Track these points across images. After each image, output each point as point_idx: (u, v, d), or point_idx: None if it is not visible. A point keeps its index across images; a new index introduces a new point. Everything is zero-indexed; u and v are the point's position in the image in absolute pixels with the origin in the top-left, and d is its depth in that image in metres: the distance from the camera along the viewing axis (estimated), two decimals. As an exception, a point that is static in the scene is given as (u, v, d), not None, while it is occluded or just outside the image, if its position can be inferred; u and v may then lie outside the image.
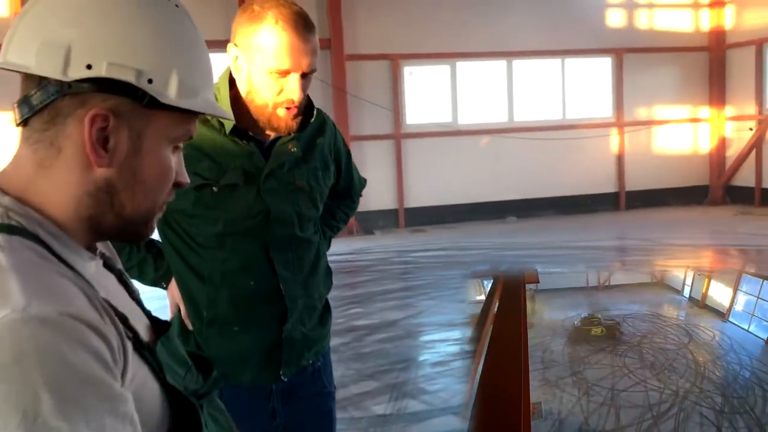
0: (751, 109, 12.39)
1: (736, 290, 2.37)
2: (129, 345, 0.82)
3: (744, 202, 12.53)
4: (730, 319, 2.19)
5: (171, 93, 0.88)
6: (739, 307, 2.30)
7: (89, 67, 0.82)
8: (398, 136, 11.59)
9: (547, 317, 2.54)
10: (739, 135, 12.66)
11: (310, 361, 1.96)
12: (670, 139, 12.99)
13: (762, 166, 12.21)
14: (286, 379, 1.89)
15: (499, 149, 12.04)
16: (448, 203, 11.89)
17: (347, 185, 2.16)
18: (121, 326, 0.83)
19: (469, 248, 9.67)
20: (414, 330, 6.01)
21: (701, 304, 2.41)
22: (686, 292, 2.57)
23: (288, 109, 1.73)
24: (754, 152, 12.27)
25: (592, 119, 12.59)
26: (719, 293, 2.43)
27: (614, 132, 12.67)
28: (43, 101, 0.84)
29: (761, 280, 2.31)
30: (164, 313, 1.89)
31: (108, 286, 0.93)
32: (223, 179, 1.77)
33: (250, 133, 1.81)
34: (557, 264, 8.32)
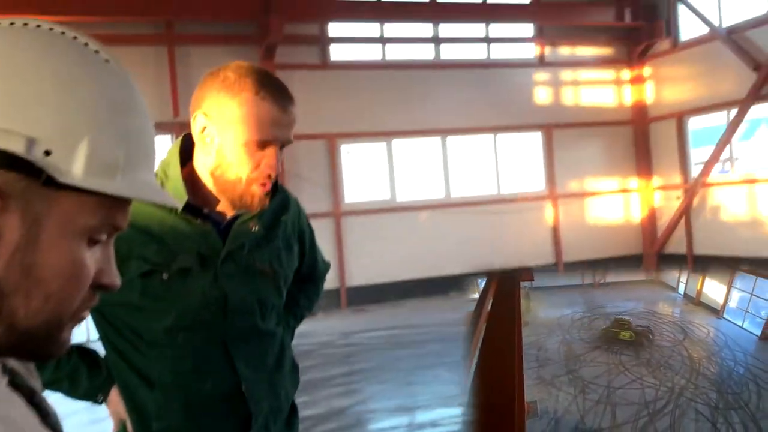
0: (677, 178, 12.87)
1: (730, 287, 2.34)
2: None
3: (677, 269, 12.80)
4: (725, 315, 2.17)
5: (76, 169, 0.67)
6: (733, 303, 2.27)
7: None
8: (337, 213, 11.48)
9: (543, 315, 2.48)
10: (668, 204, 13.08)
11: None
12: (602, 209, 13.32)
13: (692, 233, 12.59)
14: None
15: (438, 225, 12.06)
16: (389, 280, 11.74)
17: (311, 269, 1.95)
18: None
19: (416, 326, 9.47)
20: (363, 418, 5.74)
21: (696, 301, 2.38)
22: (681, 289, 2.55)
23: (263, 185, 1.56)
24: (683, 220, 12.66)
25: (526, 193, 12.81)
26: (714, 291, 2.41)
27: (548, 204, 12.90)
28: None
29: (755, 277, 2.30)
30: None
31: (12, 413, 0.70)
32: (174, 264, 1.55)
33: (205, 211, 1.61)
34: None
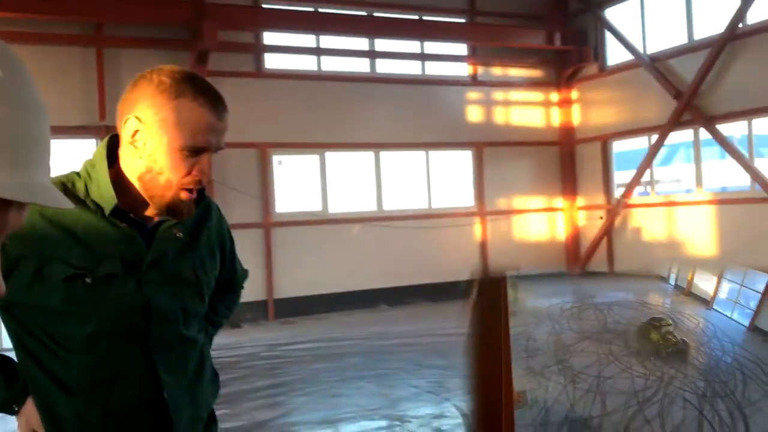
0: (600, 199, 13.30)
1: (720, 279, 2.39)
2: None
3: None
4: (714, 306, 2.22)
5: None
6: (723, 295, 2.33)
7: None
8: (267, 224, 11.36)
9: (531, 305, 2.47)
10: (591, 223, 13.49)
11: None
12: (528, 227, 13.63)
13: (613, 252, 13.02)
14: None
15: (369, 238, 12.09)
16: (318, 293, 11.67)
17: (230, 277, 1.91)
18: None
19: (342, 339, 9.44)
20: (286, 431, 5.65)
21: (686, 292, 2.42)
22: (672, 280, 2.57)
23: (191, 191, 1.54)
24: (605, 240, 13.08)
25: (455, 208, 12.99)
26: (704, 282, 2.46)
27: (477, 221, 13.12)
28: None
29: (745, 268, 2.38)
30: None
31: None
32: (99, 269, 1.51)
33: (131, 216, 1.57)
34: (433, 352, 8.25)
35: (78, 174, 1.58)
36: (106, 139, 1.61)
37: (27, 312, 1.52)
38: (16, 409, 1.61)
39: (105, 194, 1.53)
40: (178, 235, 1.61)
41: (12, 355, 1.64)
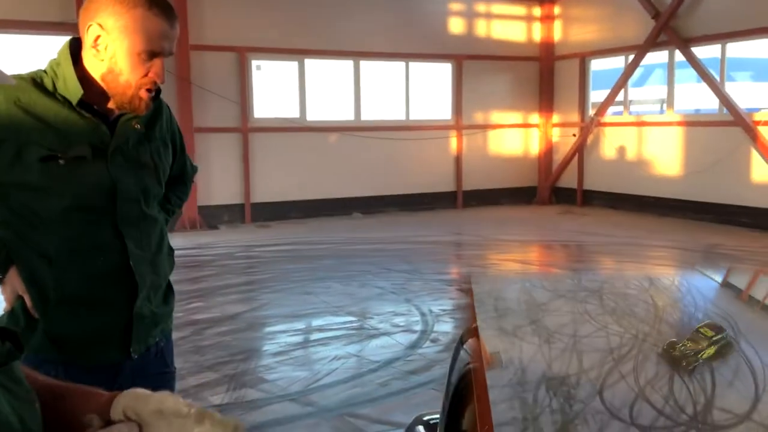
0: (575, 117, 13.52)
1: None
2: None
3: (567, 202, 13.65)
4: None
5: None
6: None
7: None
8: (245, 129, 11.49)
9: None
10: (564, 140, 13.77)
11: (157, 339, 2.00)
12: (503, 142, 13.87)
13: (583, 169, 13.37)
14: (136, 357, 1.92)
15: (345, 147, 12.28)
16: (294, 199, 11.96)
17: (181, 170, 2.19)
18: None
19: (315, 243, 9.81)
20: (256, 322, 6.04)
21: None
22: None
23: (149, 90, 1.79)
24: (576, 157, 13.40)
25: (433, 121, 13.17)
26: None
27: (453, 134, 13.33)
28: None
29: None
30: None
31: None
32: (70, 151, 1.76)
33: (95, 108, 1.82)
34: (400, 258, 8.65)
35: (45, 71, 1.82)
36: (68, 41, 1.84)
37: (9, 191, 1.78)
38: (1, 277, 1.87)
39: (71, 88, 1.77)
40: (136, 126, 1.88)
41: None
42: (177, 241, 2.16)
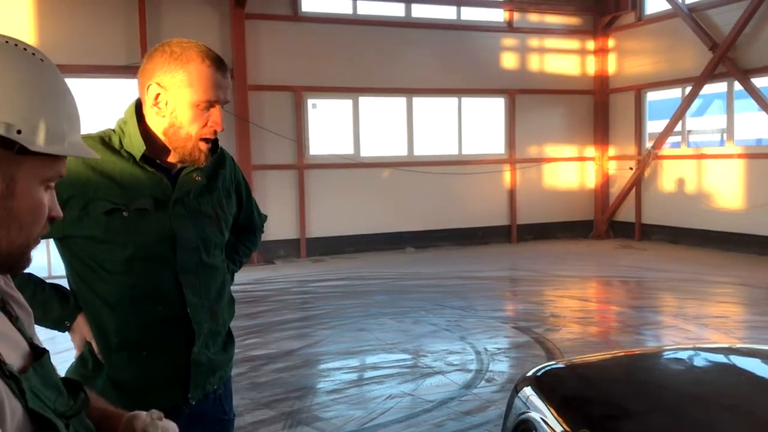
0: (632, 149, 13.33)
1: None
2: None
3: (625, 236, 13.40)
4: None
5: (39, 141, 0.99)
6: None
7: None
8: (301, 166, 11.72)
9: None
10: (621, 173, 13.57)
11: (215, 387, 2.05)
12: (558, 175, 13.76)
13: (641, 202, 13.13)
14: (194, 403, 1.97)
15: (398, 182, 12.38)
16: (348, 234, 12.08)
17: (248, 219, 2.27)
18: None
19: (369, 278, 9.86)
20: (311, 359, 6.09)
21: None
22: None
23: (207, 141, 1.90)
24: (634, 190, 13.18)
25: (486, 155, 13.17)
26: None
27: (507, 168, 13.29)
28: None
29: None
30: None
31: None
32: (133, 204, 1.87)
33: (158, 162, 1.93)
34: (454, 294, 8.62)
35: (113, 130, 1.96)
36: (134, 101, 1.97)
37: (77, 242, 1.89)
38: (68, 324, 1.97)
39: (136, 144, 1.89)
40: (197, 179, 1.98)
41: (63, 282, 2.01)
42: (235, 276, 2.24)
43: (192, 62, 1.84)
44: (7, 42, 1.01)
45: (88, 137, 1.91)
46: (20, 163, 0.99)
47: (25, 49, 1.03)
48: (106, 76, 10.68)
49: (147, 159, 1.90)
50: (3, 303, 1.11)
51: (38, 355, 1.10)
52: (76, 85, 10.18)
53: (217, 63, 1.87)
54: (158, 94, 1.86)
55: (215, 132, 1.90)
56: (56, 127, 1.01)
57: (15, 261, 1.04)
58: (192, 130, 1.87)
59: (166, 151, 1.92)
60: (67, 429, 1.06)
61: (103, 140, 1.92)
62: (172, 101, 1.86)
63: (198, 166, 1.93)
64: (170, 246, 1.91)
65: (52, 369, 1.13)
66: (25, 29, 10.01)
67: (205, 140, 1.90)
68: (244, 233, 2.28)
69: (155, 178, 1.91)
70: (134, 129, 1.90)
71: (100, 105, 10.31)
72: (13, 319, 1.11)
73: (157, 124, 1.90)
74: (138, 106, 1.94)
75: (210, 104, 1.86)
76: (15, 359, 1.02)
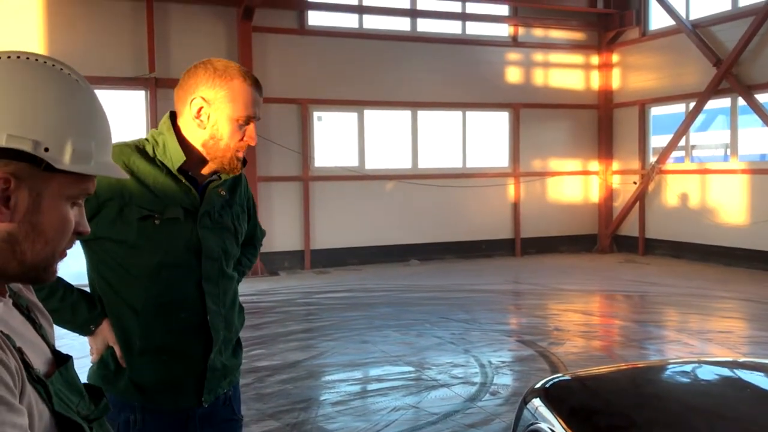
0: (635, 164, 13.37)
1: None
2: (24, 374, 0.96)
3: (629, 251, 13.41)
4: None
5: (66, 159, 1.02)
6: None
7: None
8: (306, 178, 11.77)
9: None
10: (625, 188, 13.60)
11: (225, 390, 2.13)
12: (562, 189, 13.80)
13: (645, 217, 13.15)
14: (207, 405, 2.06)
15: (403, 194, 12.43)
16: (352, 245, 12.12)
17: (251, 233, 2.36)
18: (18, 357, 0.96)
19: (373, 290, 9.89)
20: (315, 371, 6.11)
21: None
22: None
23: (241, 153, 2.01)
24: (638, 204, 13.20)
25: (490, 169, 13.22)
26: None
27: (511, 181, 13.33)
28: None
29: None
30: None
31: (12, 322, 1.06)
32: (165, 212, 1.95)
33: (190, 174, 2.01)
34: (458, 307, 8.64)
35: (146, 140, 2.04)
36: (168, 114, 2.06)
37: (107, 245, 1.95)
38: (93, 329, 2.02)
39: (175, 155, 1.98)
40: (222, 193, 2.08)
41: (87, 289, 2.05)
42: (240, 287, 2.30)
43: (235, 80, 1.95)
44: (45, 63, 1.05)
45: (124, 145, 2.00)
46: (47, 179, 1.02)
47: (61, 69, 1.06)
48: (114, 88, 10.76)
49: (181, 170, 1.99)
50: (28, 311, 1.14)
51: (62, 360, 1.14)
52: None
53: (256, 82, 1.99)
54: (201, 108, 1.96)
55: (249, 145, 2.01)
56: (84, 147, 1.04)
57: (39, 273, 1.07)
58: (231, 142, 1.97)
59: (200, 163, 2.02)
60: None
61: (138, 148, 2.01)
62: (214, 115, 1.96)
63: (235, 174, 2.05)
64: (195, 255, 2.00)
65: (76, 374, 1.16)
66: (34, 40, 10.11)
67: (240, 152, 2.01)
68: (247, 246, 2.36)
69: (186, 189, 2.00)
70: (173, 141, 1.99)
71: (109, 116, 10.35)
72: (37, 327, 1.15)
73: (196, 136, 1.99)
74: (173, 119, 2.03)
75: (248, 120, 1.97)
76: (40, 365, 1.05)
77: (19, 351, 0.98)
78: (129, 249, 1.94)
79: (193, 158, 2.00)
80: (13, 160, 0.98)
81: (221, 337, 2.06)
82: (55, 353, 1.15)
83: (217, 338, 2.04)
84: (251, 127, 1.99)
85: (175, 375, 2.01)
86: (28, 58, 1.03)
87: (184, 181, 2.00)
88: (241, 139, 1.98)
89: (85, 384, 1.21)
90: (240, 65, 2.01)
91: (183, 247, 1.99)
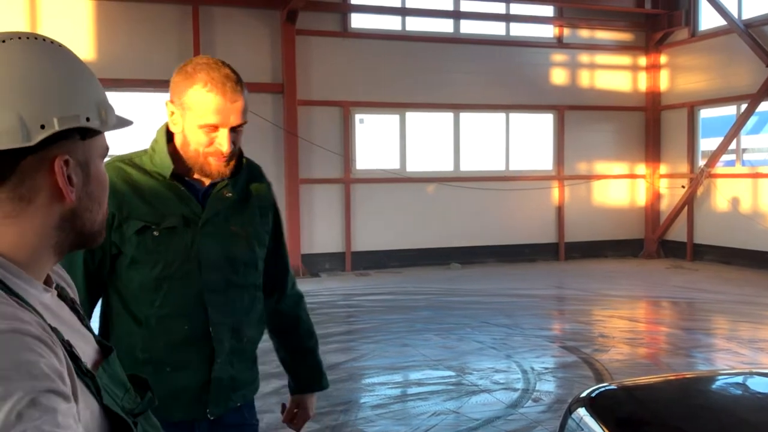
0: (684, 167, 13.06)
1: None
2: (73, 367, 0.94)
3: (676, 256, 13.10)
4: None
5: (108, 121, 1.06)
6: None
7: (43, 126, 0.96)
8: (348, 180, 11.80)
9: None
10: (673, 192, 13.29)
11: (237, 404, 2.05)
12: (608, 193, 13.55)
13: (693, 222, 12.83)
14: (212, 418, 1.98)
15: (444, 197, 12.36)
16: (394, 248, 12.09)
17: (284, 268, 2.23)
18: (66, 350, 0.95)
19: (414, 293, 9.84)
20: (356, 373, 6.10)
21: None
22: None
23: (218, 158, 1.90)
24: (686, 209, 12.89)
25: (534, 171, 13.06)
26: None
27: (555, 185, 13.15)
28: (11, 169, 0.97)
29: None
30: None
31: (61, 314, 1.06)
32: (163, 222, 1.90)
33: (186, 179, 1.95)
34: (500, 311, 8.55)
35: (145, 150, 2.00)
36: (165, 122, 2.00)
37: (108, 261, 1.92)
38: None
39: (164, 163, 1.93)
40: (227, 194, 1.98)
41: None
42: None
43: (195, 85, 1.84)
44: (36, 38, 1.02)
45: (118, 158, 1.97)
46: (88, 147, 1.04)
47: (44, 40, 1.04)
48: (161, 91, 10.94)
49: (176, 176, 1.94)
50: (72, 302, 1.14)
51: (106, 352, 1.12)
52: (131, 98, 10.49)
53: (222, 88, 1.83)
54: (172, 112, 1.91)
55: (220, 152, 1.88)
56: (106, 109, 1.06)
57: (96, 237, 1.10)
58: (198, 147, 1.88)
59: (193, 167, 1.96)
60: (136, 428, 1.08)
61: (132, 161, 1.96)
62: (180, 120, 1.90)
63: (214, 179, 1.94)
64: (197, 265, 1.93)
65: (119, 366, 1.15)
66: (83, 44, 10.35)
67: (216, 158, 1.90)
68: (274, 293, 2.21)
69: (184, 196, 1.93)
70: (162, 148, 1.94)
71: (153, 118, 10.55)
72: (81, 318, 1.14)
73: (177, 141, 1.94)
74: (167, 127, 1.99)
75: (213, 127, 1.86)
76: (88, 358, 1.04)
77: (68, 344, 0.97)
78: (130, 263, 1.91)
79: (186, 164, 1.93)
80: (62, 139, 0.99)
81: (226, 348, 1.97)
82: (101, 344, 1.14)
83: (220, 350, 1.95)
84: (222, 132, 1.85)
85: (178, 386, 1.93)
86: (20, 38, 1.01)
87: (182, 188, 1.93)
88: (210, 145, 1.87)
89: (130, 375, 1.19)
90: (216, 66, 1.85)
91: (183, 258, 1.92)
